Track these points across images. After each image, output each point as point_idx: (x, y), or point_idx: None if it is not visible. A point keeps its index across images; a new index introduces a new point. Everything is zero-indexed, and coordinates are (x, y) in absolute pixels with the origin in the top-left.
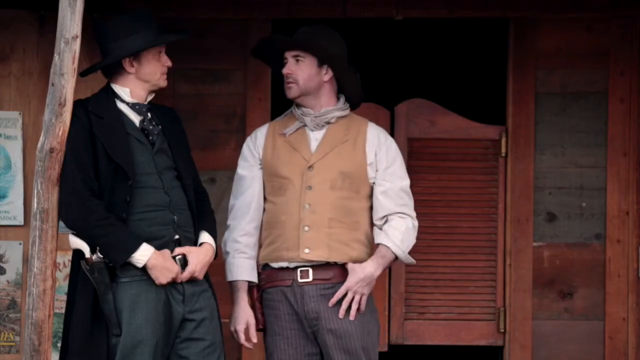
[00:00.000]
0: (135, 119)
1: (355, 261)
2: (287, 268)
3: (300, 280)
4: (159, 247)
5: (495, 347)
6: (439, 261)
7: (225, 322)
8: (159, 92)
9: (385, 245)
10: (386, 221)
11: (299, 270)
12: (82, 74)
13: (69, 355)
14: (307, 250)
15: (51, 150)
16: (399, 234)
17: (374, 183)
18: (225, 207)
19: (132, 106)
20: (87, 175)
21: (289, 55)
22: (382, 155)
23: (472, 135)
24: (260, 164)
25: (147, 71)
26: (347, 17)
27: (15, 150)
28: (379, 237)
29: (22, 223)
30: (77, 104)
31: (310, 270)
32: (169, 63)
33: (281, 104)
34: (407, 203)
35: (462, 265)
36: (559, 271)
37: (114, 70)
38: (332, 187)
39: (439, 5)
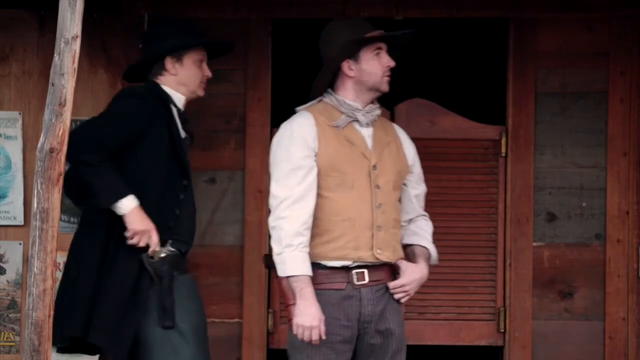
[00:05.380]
0: (180, 127)
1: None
2: (341, 268)
3: (357, 282)
4: (185, 252)
5: (495, 347)
6: (439, 261)
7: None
8: None
9: (426, 248)
10: (411, 221)
11: (354, 272)
12: (126, 76)
13: (93, 330)
14: (379, 251)
15: (51, 150)
16: (430, 236)
17: (405, 184)
18: (225, 207)
19: (180, 114)
20: (109, 139)
21: (385, 47)
22: (415, 158)
23: (472, 135)
24: (315, 155)
25: (187, 75)
26: (347, 17)
27: (15, 150)
28: (416, 239)
29: (22, 223)
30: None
31: (366, 272)
32: (208, 73)
33: (281, 104)
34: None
35: (462, 265)
36: (559, 271)
37: (157, 72)
38: (394, 188)
39: (439, 5)
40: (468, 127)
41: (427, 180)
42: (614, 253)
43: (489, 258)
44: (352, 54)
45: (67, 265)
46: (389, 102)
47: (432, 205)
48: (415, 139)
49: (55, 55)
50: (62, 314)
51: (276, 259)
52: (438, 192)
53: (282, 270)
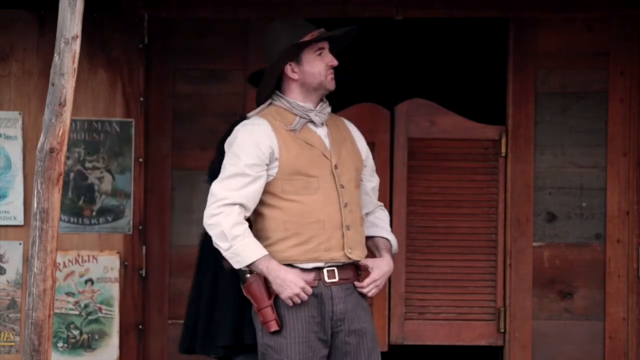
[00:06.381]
0: None
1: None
2: (314, 268)
3: (328, 280)
4: None
5: (495, 347)
6: (439, 261)
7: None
8: (159, 92)
9: (388, 239)
10: (368, 214)
11: (325, 270)
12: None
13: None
14: (350, 250)
15: (51, 150)
16: (389, 226)
17: (361, 179)
18: None
19: None
20: None
21: (327, 45)
22: (367, 151)
23: (472, 135)
24: (267, 163)
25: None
26: (347, 17)
27: (15, 150)
28: (377, 230)
29: (22, 223)
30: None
31: (336, 270)
32: None
33: None
34: None
35: (462, 265)
36: (559, 271)
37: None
38: (356, 186)
39: (439, 5)
40: (468, 127)
41: (427, 180)
42: (614, 253)
43: (489, 258)
44: (294, 56)
45: (212, 279)
46: (389, 102)
47: (432, 205)
48: (415, 139)
49: (55, 55)
50: (217, 324)
51: (227, 254)
52: (438, 192)
53: (239, 262)
